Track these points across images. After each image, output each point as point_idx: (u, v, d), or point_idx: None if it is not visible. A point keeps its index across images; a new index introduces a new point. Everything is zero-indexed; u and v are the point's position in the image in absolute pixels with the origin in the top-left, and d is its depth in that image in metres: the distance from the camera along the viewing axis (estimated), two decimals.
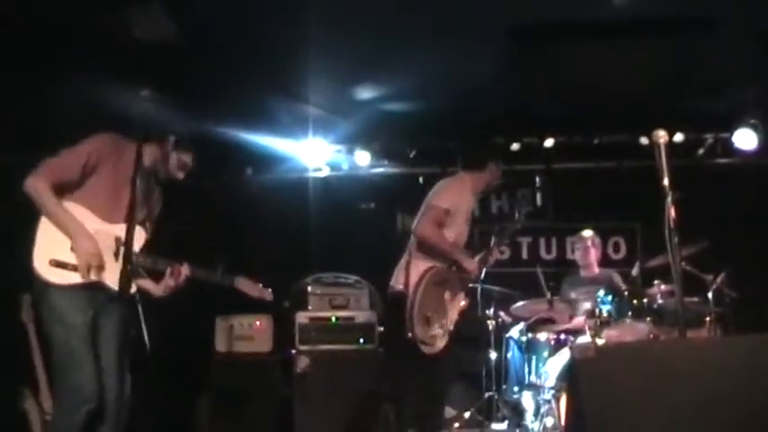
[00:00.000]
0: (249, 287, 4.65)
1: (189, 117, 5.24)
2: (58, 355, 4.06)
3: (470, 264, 5.60)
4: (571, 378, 2.99)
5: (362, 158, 8.03)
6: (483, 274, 5.93)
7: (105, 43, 5.30)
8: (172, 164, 4.36)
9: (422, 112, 7.49)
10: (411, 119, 7.61)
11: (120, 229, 3.96)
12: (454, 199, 5.67)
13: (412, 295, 5.26)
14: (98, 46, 5.31)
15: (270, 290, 4.74)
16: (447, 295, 5.52)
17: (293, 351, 6.73)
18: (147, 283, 4.37)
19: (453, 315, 5.55)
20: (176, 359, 6.37)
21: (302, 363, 6.66)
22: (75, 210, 4.05)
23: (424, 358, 5.28)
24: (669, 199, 3.80)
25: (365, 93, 7.17)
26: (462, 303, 5.68)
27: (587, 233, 7.31)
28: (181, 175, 4.38)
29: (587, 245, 7.27)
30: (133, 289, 4.05)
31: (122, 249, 3.85)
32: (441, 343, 5.40)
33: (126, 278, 3.61)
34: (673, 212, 3.78)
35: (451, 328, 5.49)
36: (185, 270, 4.30)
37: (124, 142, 4.21)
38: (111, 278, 3.97)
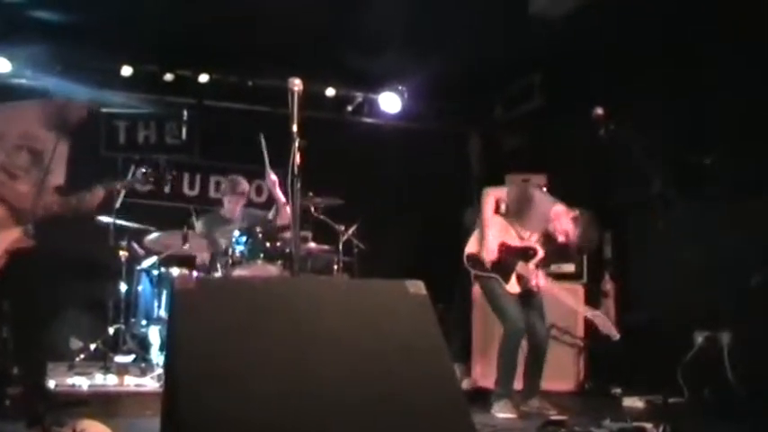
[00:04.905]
0: None
1: None
2: None
3: None
4: (171, 309, 2.97)
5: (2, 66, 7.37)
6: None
7: None
8: None
9: (74, 25, 7.05)
10: (62, 31, 7.14)
11: None
12: None
13: None
14: None
15: None
16: None
17: None
18: None
19: None
20: None
21: None
22: None
23: None
24: (296, 145, 3.91)
25: None
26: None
27: (243, 182, 7.18)
28: None
29: (241, 197, 7.16)
30: None
31: None
32: None
33: None
34: (298, 158, 3.89)
35: None
36: None
37: None
38: None
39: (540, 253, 5.48)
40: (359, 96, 8.50)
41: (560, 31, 6.73)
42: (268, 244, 6.42)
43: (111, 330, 6.84)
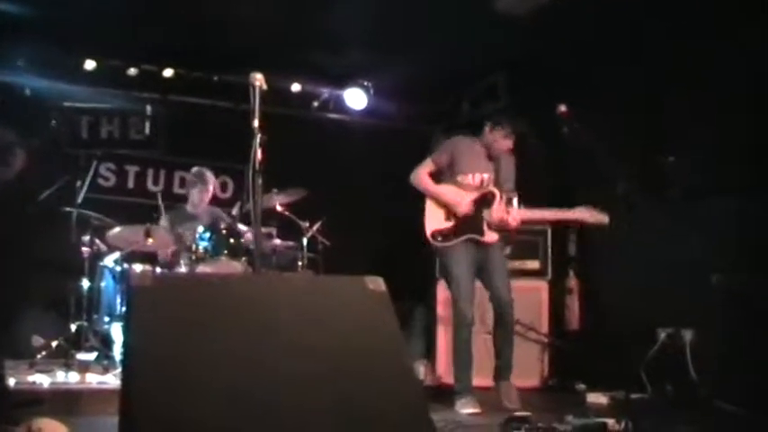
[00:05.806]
0: None
1: None
2: None
3: None
4: (127, 305, 2.94)
5: None
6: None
7: None
8: None
9: (36, 18, 6.95)
10: (24, 24, 7.04)
11: None
12: None
13: None
14: None
15: None
16: None
17: None
18: None
19: None
20: None
21: None
22: None
23: None
24: (257, 141, 3.89)
25: None
26: None
27: (210, 174, 7.17)
28: None
29: (209, 186, 7.15)
30: None
31: None
32: None
33: None
34: (259, 154, 3.86)
35: None
36: None
37: None
38: None
39: (497, 192, 5.55)
40: (325, 92, 8.47)
41: (525, 28, 6.75)
42: (232, 240, 6.39)
43: (73, 327, 6.71)
